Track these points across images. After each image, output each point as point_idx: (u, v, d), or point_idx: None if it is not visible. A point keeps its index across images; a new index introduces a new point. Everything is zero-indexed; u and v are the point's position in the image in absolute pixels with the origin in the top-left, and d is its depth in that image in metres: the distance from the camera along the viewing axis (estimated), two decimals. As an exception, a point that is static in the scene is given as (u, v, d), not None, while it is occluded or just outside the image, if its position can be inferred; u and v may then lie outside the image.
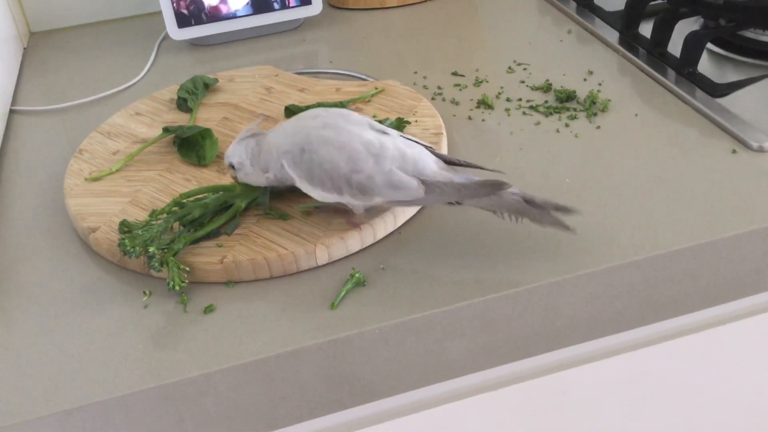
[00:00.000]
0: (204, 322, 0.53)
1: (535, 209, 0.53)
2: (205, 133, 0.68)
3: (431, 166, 0.56)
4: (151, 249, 0.55)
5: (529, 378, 0.61)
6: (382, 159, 0.55)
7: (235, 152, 0.59)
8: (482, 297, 0.53)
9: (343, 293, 0.54)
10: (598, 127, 0.70)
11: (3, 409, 0.48)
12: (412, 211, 0.61)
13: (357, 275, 0.55)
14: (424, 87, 0.80)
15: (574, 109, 0.73)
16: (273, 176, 0.58)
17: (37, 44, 1.00)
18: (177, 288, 0.54)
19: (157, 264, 0.55)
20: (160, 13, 1.06)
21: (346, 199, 0.56)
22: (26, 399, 0.49)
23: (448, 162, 0.58)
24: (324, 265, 0.57)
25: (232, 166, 0.59)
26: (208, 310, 0.54)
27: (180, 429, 0.52)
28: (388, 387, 0.55)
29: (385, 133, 0.57)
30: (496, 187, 0.53)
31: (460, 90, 0.79)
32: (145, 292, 0.56)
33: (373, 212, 0.58)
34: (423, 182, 0.54)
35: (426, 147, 0.58)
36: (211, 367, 0.50)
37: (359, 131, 0.56)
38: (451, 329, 0.54)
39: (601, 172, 0.64)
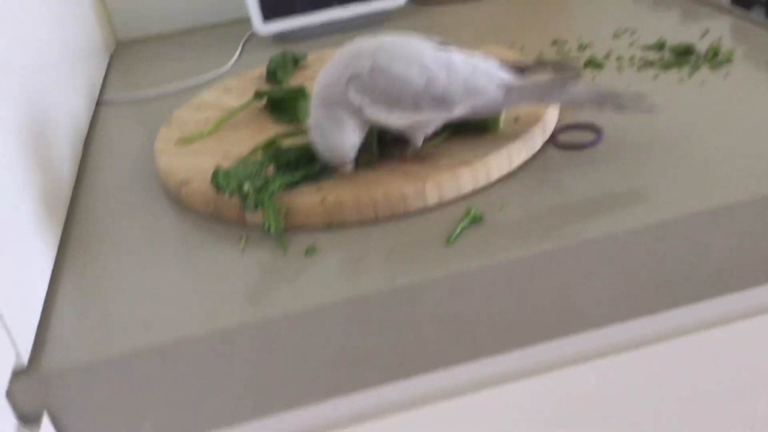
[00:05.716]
0: (306, 264, 0.48)
1: (611, 99, 0.53)
2: (299, 93, 0.64)
3: (501, 73, 0.54)
4: (246, 187, 0.50)
5: (674, 337, 0.53)
6: (454, 69, 0.52)
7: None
8: (621, 228, 0.46)
9: (458, 229, 0.48)
10: (727, 74, 0.63)
11: (101, 340, 0.44)
12: (527, 150, 0.55)
13: (474, 211, 0.49)
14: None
15: (696, 62, 0.67)
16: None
17: (122, 52, 1.00)
18: (273, 230, 0.50)
19: (251, 204, 0.50)
20: (243, 18, 1.05)
21: (424, 116, 0.52)
22: (126, 333, 0.44)
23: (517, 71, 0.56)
24: (433, 207, 0.52)
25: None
26: (310, 252, 0.49)
27: (278, 373, 0.46)
28: (512, 337, 0.48)
29: (449, 51, 0.54)
30: (570, 76, 0.53)
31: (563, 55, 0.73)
32: (241, 237, 0.52)
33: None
34: (500, 86, 0.52)
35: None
36: (319, 303, 0.44)
37: (424, 46, 0.53)
38: (582, 270, 0.47)
39: (735, 118, 0.57)
